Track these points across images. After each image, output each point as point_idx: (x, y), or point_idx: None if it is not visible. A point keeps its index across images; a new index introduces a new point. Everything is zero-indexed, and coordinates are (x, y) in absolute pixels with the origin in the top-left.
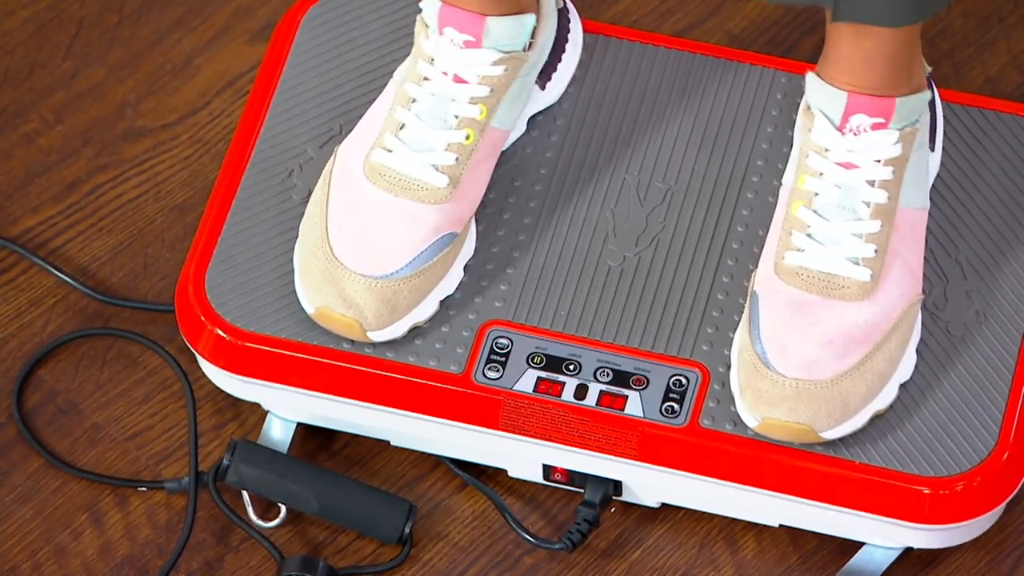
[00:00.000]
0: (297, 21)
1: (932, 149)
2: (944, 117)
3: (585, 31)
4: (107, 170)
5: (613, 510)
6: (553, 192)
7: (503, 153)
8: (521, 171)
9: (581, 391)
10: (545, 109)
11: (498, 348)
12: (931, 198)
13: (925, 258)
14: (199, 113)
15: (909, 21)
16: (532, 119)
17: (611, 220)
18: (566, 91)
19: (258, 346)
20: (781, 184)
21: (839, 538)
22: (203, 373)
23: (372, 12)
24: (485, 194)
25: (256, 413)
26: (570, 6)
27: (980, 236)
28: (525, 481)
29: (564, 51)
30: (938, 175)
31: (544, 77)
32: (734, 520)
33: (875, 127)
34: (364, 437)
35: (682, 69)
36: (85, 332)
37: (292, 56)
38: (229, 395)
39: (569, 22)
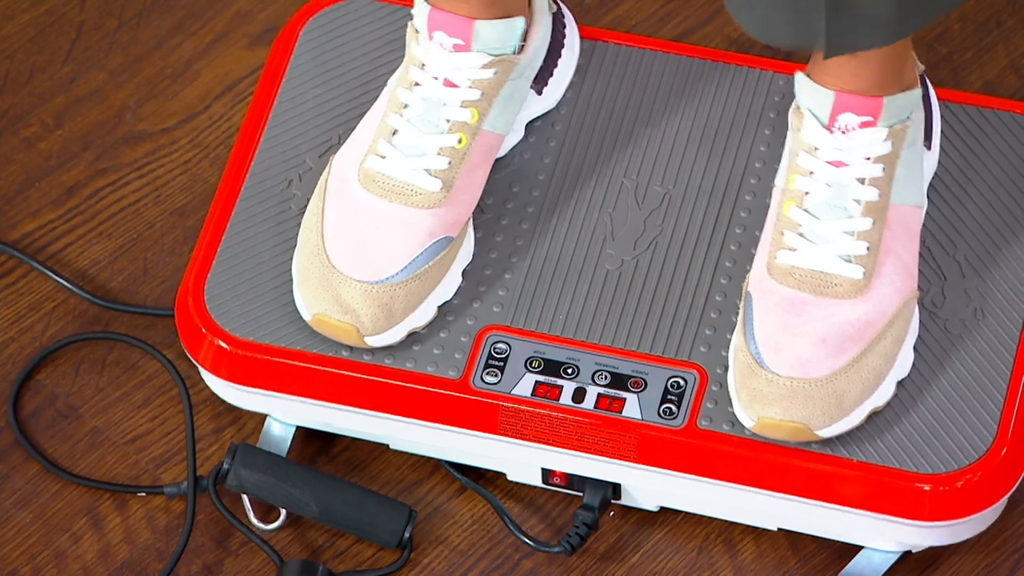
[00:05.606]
0: (297, 32)
1: (929, 147)
2: (941, 115)
3: (583, 36)
4: (107, 174)
5: (612, 514)
6: (551, 197)
7: (501, 159)
8: (519, 176)
9: (579, 394)
10: (543, 114)
11: (496, 353)
12: (929, 196)
13: (923, 256)
14: (199, 117)
15: (899, 38)
16: (530, 124)
17: (609, 224)
18: (564, 96)
19: (258, 355)
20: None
21: (838, 542)
22: (202, 379)
23: (371, 23)
24: (483, 200)
25: (255, 417)
26: (565, 10)
27: (978, 234)
28: (524, 485)
29: (560, 55)
30: (936, 173)
31: (540, 82)
32: (733, 524)
33: (863, 125)
34: (364, 441)
35: (680, 73)
36: (84, 336)
37: (292, 66)
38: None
39: (565, 26)
